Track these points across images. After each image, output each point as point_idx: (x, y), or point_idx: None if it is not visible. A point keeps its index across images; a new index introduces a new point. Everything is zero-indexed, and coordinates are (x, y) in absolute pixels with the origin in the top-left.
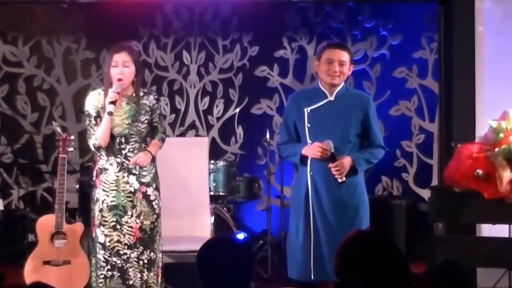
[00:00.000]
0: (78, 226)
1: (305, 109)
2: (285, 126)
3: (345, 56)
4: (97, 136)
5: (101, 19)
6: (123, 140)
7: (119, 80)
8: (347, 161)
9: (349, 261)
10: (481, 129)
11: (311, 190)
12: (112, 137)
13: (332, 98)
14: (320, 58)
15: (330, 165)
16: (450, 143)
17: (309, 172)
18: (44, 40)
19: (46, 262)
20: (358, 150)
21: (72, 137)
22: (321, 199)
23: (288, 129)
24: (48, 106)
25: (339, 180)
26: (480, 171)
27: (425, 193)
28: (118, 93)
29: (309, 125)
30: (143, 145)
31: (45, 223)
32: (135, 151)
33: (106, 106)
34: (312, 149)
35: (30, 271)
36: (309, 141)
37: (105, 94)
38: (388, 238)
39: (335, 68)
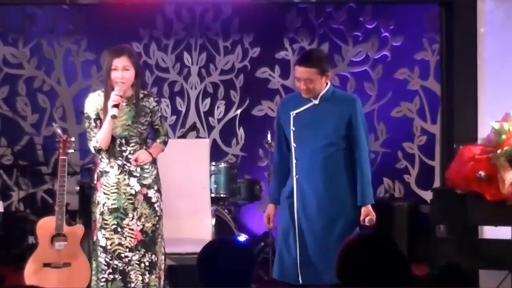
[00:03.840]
0: (79, 228)
1: (291, 113)
2: (276, 130)
3: (309, 73)
4: (98, 139)
5: (101, 20)
6: (123, 141)
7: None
8: (368, 210)
9: (351, 264)
10: (483, 131)
11: (297, 193)
12: (113, 139)
13: (316, 102)
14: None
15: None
16: (452, 145)
17: (295, 176)
18: (45, 42)
19: (47, 265)
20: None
21: (73, 139)
22: (306, 202)
23: (279, 133)
24: (49, 107)
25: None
26: (482, 173)
27: (427, 195)
28: (120, 96)
29: (294, 129)
30: (144, 147)
31: (45, 225)
32: None
33: (109, 110)
34: None
35: (30, 274)
36: (293, 144)
37: (105, 97)
38: (389, 240)
39: (302, 86)
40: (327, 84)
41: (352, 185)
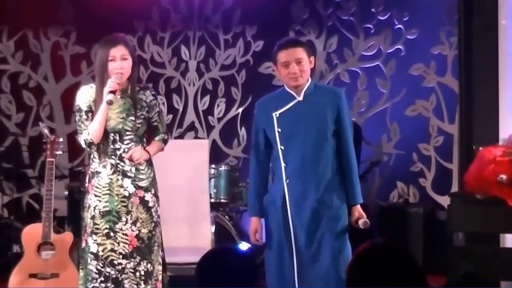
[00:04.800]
0: (67, 236)
1: (274, 114)
2: (254, 135)
3: (299, 52)
4: (90, 131)
5: (92, 11)
6: (117, 137)
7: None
8: (359, 210)
9: (362, 274)
10: (505, 131)
11: (289, 199)
12: (106, 134)
13: (300, 98)
14: (276, 63)
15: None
16: (471, 146)
17: (285, 180)
18: (31, 34)
19: (33, 275)
20: (338, 173)
21: (61, 140)
22: (300, 207)
23: (257, 139)
24: (35, 105)
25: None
26: (503, 176)
27: (444, 200)
28: (118, 83)
29: (279, 130)
30: (140, 146)
31: (32, 232)
32: None
33: (105, 96)
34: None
35: (16, 285)
36: (280, 146)
37: (98, 90)
38: (403, 249)
39: (293, 69)
40: (308, 79)
41: (343, 184)
